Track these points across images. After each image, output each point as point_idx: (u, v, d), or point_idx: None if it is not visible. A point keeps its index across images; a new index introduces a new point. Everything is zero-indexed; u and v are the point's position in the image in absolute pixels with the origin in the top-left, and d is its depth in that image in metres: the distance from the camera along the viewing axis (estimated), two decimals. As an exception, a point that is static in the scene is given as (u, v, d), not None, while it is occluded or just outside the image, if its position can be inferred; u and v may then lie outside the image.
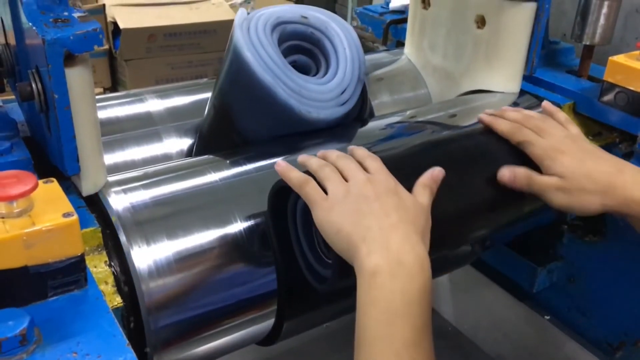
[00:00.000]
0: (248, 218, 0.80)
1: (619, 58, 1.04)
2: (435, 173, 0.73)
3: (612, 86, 1.05)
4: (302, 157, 0.76)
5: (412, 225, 0.66)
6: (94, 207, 0.79)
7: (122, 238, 0.74)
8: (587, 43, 1.15)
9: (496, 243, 1.22)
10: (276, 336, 0.86)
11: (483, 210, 0.87)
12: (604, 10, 1.12)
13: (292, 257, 0.79)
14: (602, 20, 1.12)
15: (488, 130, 0.90)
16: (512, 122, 0.88)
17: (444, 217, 0.77)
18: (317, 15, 1.00)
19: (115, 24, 2.60)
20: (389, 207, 0.66)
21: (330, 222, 0.67)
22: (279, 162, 0.74)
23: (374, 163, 0.73)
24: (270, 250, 0.80)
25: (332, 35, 0.98)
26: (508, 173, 0.83)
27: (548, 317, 1.27)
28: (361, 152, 0.76)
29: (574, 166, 0.80)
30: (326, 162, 0.73)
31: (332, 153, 0.75)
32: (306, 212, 0.74)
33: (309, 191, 0.70)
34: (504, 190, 0.84)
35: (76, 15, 0.74)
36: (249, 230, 0.80)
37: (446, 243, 0.84)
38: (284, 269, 0.80)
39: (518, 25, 1.09)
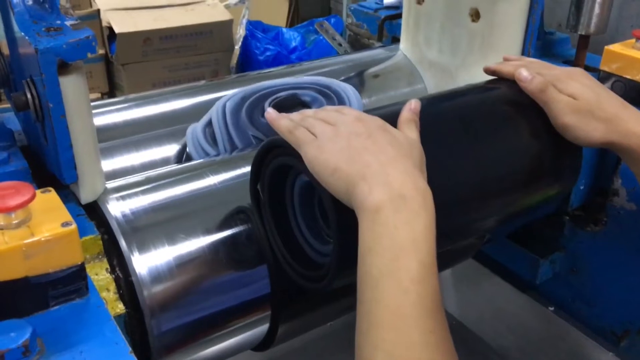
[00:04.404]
0: (248, 221, 0.80)
1: (615, 47, 1.04)
2: (413, 105, 0.72)
3: (608, 75, 1.04)
4: (282, 115, 0.73)
5: (409, 159, 0.64)
6: (93, 214, 0.79)
7: (123, 244, 0.74)
8: (583, 33, 1.15)
9: (498, 234, 1.22)
10: (274, 338, 0.86)
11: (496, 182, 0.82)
12: (599, -1, 1.11)
13: (288, 251, 0.77)
14: (596, 10, 1.12)
15: (494, 87, 0.89)
16: (517, 65, 0.88)
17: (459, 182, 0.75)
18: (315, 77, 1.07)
19: (110, 28, 2.60)
20: (383, 142, 0.64)
21: (323, 160, 0.64)
22: (269, 110, 0.72)
23: (352, 109, 0.72)
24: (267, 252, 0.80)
25: (342, 87, 1.02)
26: (526, 73, 0.83)
27: (552, 308, 1.27)
28: (335, 107, 0.74)
29: (585, 91, 0.82)
30: (307, 115, 0.72)
31: (309, 110, 0.74)
32: (304, 192, 0.73)
33: (299, 135, 0.67)
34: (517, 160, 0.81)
35: (69, 23, 0.74)
36: (249, 233, 0.80)
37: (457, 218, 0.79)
38: (276, 268, 0.79)
39: (513, 18, 1.09)
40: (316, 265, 0.75)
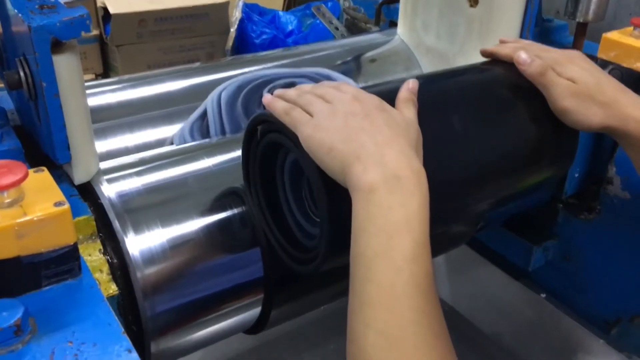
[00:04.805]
0: (241, 204, 0.80)
1: (613, 35, 1.04)
2: (410, 85, 0.71)
3: (605, 63, 1.04)
4: (278, 92, 0.73)
5: (405, 139, 0.64)
6: (87, 195, 0.79)
7: (116, 225, 0.74)
8: (581, 20, 1.14)
9: (494, 221, 1.22)
10: (266, 321, 0.86)
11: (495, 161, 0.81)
12: (597, -14, 1.11)
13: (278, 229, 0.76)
14: (595, -3, 1.12)
15: (491, 68, 0.88)
16: (514, 47, 0.87)
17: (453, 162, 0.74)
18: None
19: (105, 9, 2.57)
20: (379, 123, 0.64)
21: (319, 140, 0.63)
22: (265, 95, 0.72)
23: (350, 87, 0.71)
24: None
25: (342, 79, 1.02)
26: (525, 56, 0.82)
27: (544, 295, 1.28)
28: (333, 83, 0.73)
29: (584, 75, 0.81)
30: (304, 91, 0.71)
31: (307, 85, 0.73)
32: (294, 172, 0.73)
33: (295, 115, 0.67)
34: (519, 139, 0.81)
35: (62, 1, 0.73)
36: (243, 215, 0.79)
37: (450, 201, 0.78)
38: (269, 250, 0.79)
39: (511, 4, 1.08)
40: (306, 248, 0.74)
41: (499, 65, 0.87)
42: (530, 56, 0.82)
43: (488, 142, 0.80)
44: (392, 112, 0.67)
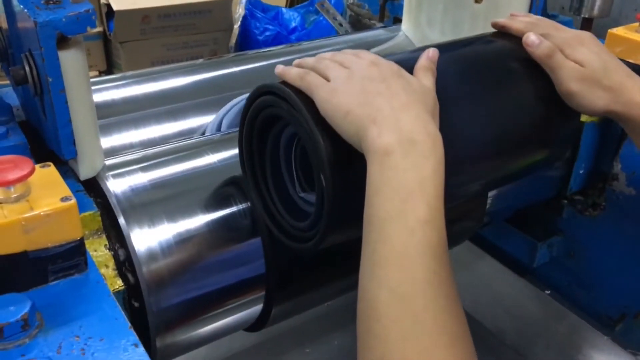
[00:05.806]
0: (246, 199, 0.80)
1: (619, 30, 1.03)
2: (430, 54, 0.72)
3: (611, 59, 1.04)
4: (297, 61, 0.72)
5: (421, 105, 0.64)
6: (92, 190, 0.79)
7: (122, 221, 0.74)
8: (586, 16, 1.14)
9: (497, 216, 1.22)
10: (267, 318, 0.86)
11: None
12: (603, -18, 1.11)
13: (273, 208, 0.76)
14: (600, -8, 1.12)
15: (501, 38, 0.86)
16: (527, 22, 0.86)
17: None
18: None
19: (109, 5, 2.57)
20: (396, 88, 0.65)
21: (336, 104, 0.64)
22: (277, 66, 0.71)
23: (369, 53, 0.71)
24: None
25: None
26: (533, 37, 0.81)
27: (548, 292, 1.28)
28: (352, 50, 0.73)
29: (592, 58, 0.80)
30: (323, 57, 0.71)
31: (326, 53, 0.72)
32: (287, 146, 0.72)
33: (311, 79, 0.66)
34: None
35: (68, -4, 0.73)
36: (247, 211, 0.79)
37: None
38: (271, 243, 0.79)
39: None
40: (303, 228, 0.73)
41: (508, 38, 0.86)
42: (538, 37, 0.81)
43: (498, 118, 0.79)
44: (409, 78, 0.67)
